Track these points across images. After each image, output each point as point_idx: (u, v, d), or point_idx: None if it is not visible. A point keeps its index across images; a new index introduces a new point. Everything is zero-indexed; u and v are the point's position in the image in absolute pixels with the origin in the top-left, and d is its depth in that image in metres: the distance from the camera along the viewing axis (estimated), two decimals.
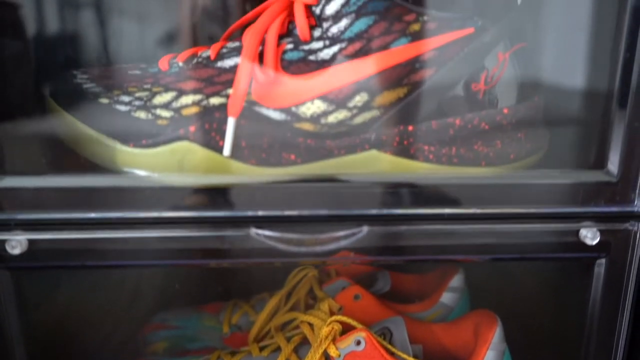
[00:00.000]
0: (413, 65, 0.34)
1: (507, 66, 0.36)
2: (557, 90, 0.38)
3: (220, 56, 0.37)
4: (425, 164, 0.36)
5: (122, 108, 0.36)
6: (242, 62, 0.35)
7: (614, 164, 0.35)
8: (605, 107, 0.34)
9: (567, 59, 0.39)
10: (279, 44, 0.36)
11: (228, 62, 0.36)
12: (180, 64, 0.37)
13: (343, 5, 0.35)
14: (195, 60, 0.37)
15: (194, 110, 0.35)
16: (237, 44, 0.37)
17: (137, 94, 0.36)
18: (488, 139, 0.36)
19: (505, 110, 0.36)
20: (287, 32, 0.36)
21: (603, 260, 0.36)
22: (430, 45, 0.34)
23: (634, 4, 0.32)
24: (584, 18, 0.37)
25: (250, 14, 0.42)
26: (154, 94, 0.36)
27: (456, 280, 0.47)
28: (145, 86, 0.37)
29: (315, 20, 0.36)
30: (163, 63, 0.38)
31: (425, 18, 0.35)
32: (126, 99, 0.36)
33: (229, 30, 0.43)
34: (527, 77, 0.37)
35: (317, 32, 0.35)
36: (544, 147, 0.38)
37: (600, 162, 0.35)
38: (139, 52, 0.46)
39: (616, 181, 0.35)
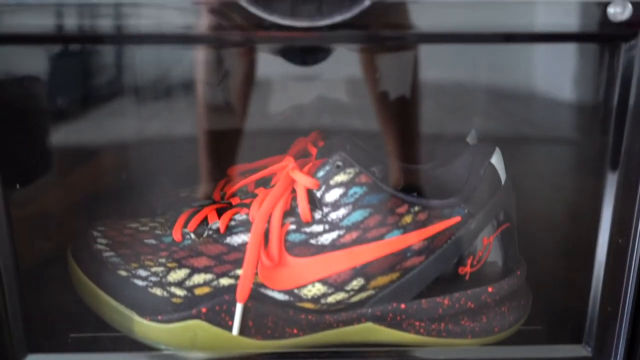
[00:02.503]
0: (405, 254, 0.38)
1: (492, 248, 0.39)
2: (538, 265, 0.42)
3: (229, 230, 0.40)
4: (416, 336, 0.39)
5: (140, 283, 0.39)
6: (249, 249, 0.38)
7: (590, 339, 0.38)
8: (581, 292, 0.38)
9: (546, 236, 0.42)
10: (282, 224, 0.39)
11: (236, 239, 0.39)
12: (192, 235, 0.41)
13: (341, 196, 0.38)
14: (205, 233, 0.40)
15: (205, 290, 0.38)
16: (244, 217, 0.41)
17: (153, 269, 0.40)
18: (474, 315, 0.39)
19: (490, 289, 0.39)
20: (290, 209, 0.40)
21: None
22: (420, 236, 0.38)
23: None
24: (562, 200, 0.40)
25: (255, 176, 0.46)
26: (168, 270, 0.39)
27: None
28: (161, 260, 0.40)
29: (317, 203, 0.39)
30: (177, 233, 0.41)
31: (417, 209, 0.38)
32: (143, 273, 0.40)
33: (236, 188, 0.47)
34: (510, 254, 0.40)
35: (317, 215, 0.39)
36: (525, 314, 0.41)
37: (577, 337, 0.38)
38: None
39: (592, 355, 0.38)
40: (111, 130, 0.52)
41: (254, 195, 0.43)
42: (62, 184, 0.49)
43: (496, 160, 0.40)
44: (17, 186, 0.36)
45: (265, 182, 0.46)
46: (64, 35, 0.32)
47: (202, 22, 0.32)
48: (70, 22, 0.31)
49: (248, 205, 0.42)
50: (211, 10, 0.32)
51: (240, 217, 0.41)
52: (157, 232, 0.43)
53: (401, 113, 0.54)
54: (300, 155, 0.53)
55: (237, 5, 0.31)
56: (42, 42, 0.33)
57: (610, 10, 0.32)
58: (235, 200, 0.45)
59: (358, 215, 0.38)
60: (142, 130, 0.55)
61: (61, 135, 0.48)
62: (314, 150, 0.50)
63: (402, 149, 0.52)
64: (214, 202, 0.51)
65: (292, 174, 0.40)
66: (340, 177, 0.38)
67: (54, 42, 0.34)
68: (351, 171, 0.38)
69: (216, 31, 0.32)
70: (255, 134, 0.58)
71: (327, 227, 0.38)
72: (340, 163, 0.39)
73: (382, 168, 0.41)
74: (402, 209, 0.38)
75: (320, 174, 0.39)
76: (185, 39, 0.34)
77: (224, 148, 0.57)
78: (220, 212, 0.42)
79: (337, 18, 0.32)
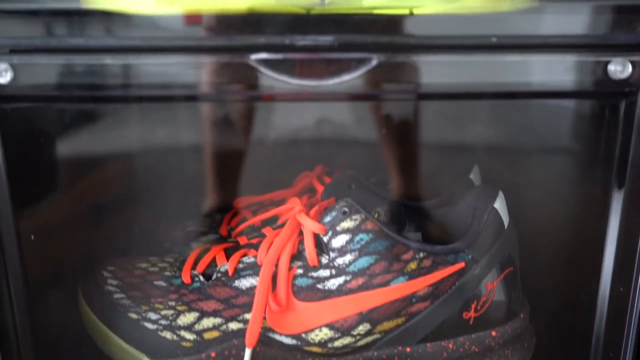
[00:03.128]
0: (410, 300, 0.38)
1: (496, 293, 0.40)
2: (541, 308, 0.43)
3: (237, 273, 0.41)
4: None
5: (150, 326, 0.40)
6: (257, 294, 0.39)
7: None
8: (584, 336, 0.38)
9: (550, 280, 0.43)
10: (290, 268, 0.40)
11: (245, 283, 0.40)
12: (201, 278, 0.42)
13: (348, 242, 0.39)
14: (214, 276, 0.41)
15: (214, 334, 0.39)
16: (252, 259, 0.41)
17: (163, 312, 0.40)
18: (478, 358, 0.40)
19: (494, 333, 0.40)
20: (298, 252, 0.40)
21: None
22: (426, 282, 0.38)
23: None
24: (565, 247, 0.41)
25: (261, 216, 0.47)
26: (178, 314, 0.40)
27: None
28: (170, 303, 0.41)
29: (323, 248, 0.40)
30: (186, 275, 0.42)
31: (421, 255, 0.39)
32: (153, 316, 0.40)
33: (243, 227, 0.48)
34: (513, 297, 0.41)
35: (324, 259, 0.39)
36: (529, 356, 0.42)
37: None
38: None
39: None
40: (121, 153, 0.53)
41: (261, 234, 0.44)
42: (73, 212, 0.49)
43: (499, 204, 0.41)
44: (32, 237, 0.37)
45: (271, 219, 0.47)
46: (72, 96, 0.33)
47: (211, 81, 0.33)
48: (78, 82, 0.32)
49: (255, 246, 0.42)
50: (221, 69, 0.33)
51: (248, 259, 0.41)
52: (167, 273, 0.43)
53: (405, 146, 0.55)
54: (305, 190, 0.54)
55: (247, 65, 0.32)
56: (55, 101, 0.34)
57: (611, 68, 0.33)
58: (242, 239, 0.45)
59: (364, 262, 0.39)
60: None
61: (68, 148, 0.48)
62: (319, 187, 0.51)
63: (407, 181, 0.53)
64: (221, 238, 0.52)
65: (299, 217, 0.41)
66: (347, 224, 0.39)
67: (62, 101, 0.35)
68: (357, 218, 0.39)
69: (225, 90, 0.33)
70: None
71: (333, 272, 0.39)
72: (346, 209, 0.39)
73: (388, 210, 0.42)
74: (407, 256, 0.39)
75: (327, 219, 0.40)
76: (194, 98, 0.35)
77: (231, 174, 0.59)
78: (228, 253, 0.43)
79: (345, 77, 0.32)
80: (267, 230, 0.44)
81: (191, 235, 0.53)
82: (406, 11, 0.34)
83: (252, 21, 0.32)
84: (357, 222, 0.39)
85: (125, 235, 0.52)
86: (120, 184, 0.52)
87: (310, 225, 0.40)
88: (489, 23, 0.33)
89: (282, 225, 0.43)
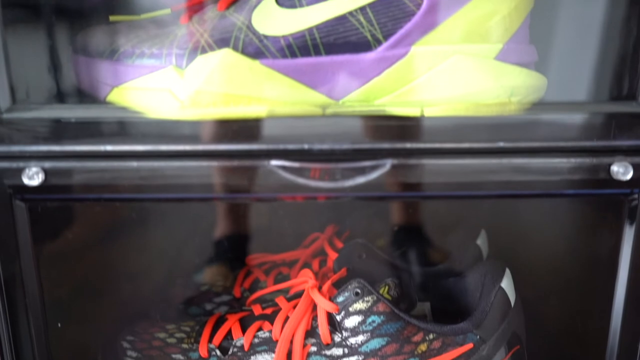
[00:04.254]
0: None
1: None
2: None
3: (252, 348, 0.42)
4: None
5: None
6: None
7: None
8: None
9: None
10: (304, 345, 0.41)
11: (260, 359, 0.42)
12: (218, 352, 0.43)
13: (360, 323, 0.40)
14: (231, 350, 0.43)
15: None
16: (267, 334, 0.43)
17: None
18: None
19: None
20: (311, 328, 0.42)
21: None
22: None
23: None
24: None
25: (275, 287, 0.48)
26: None
27: None
28: None
29: (336, 326, 0.41)
30: (203, 348, 0.44)
31: (431, 336, 0.40)
32: None
33: (255, 296, 0.49)
34: None
35: (337, 338, 0.41)
36: None
37: None
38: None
39: None
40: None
41: (275, 304, 0.45)
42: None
43: (506, 283, 0.42)
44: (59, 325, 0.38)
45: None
46: (99, 197, 0.34)
47: (231, 184, 0.34)
48: (105, 184, 0.34)
49: (270, 318, 0.44)
50: (242, 174, 0.34)
51: (264, 334, 0.43)
52: (184, 345, 0.45)
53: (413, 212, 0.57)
54: (317, 253, 0.55)
55: (267, 170, 0.34)
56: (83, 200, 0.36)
57: (614, 169, 0.34)
58: (256, 309, 0.47)
59: (376, 343, 0.40)
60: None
61: (95, 240, 0.50)
62: (331, 252, 0.53)
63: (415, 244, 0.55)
64: (235, 299, 0.54)
65: (313, 294, 0.42)
66: (359, 305, 0.41)
67: (89, 201, 0.37)
68: (369, 299, 0.41)
69: (243, 191, 0.35)
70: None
71: (346, 351, 0.41)
72: (358, 290, 0.41)
73: (398, 283, 0.43)
74: (417, 337, 0.40)
75: (340, 299, 0.41)
76: (212, 198, 0.36)
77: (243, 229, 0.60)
78: (243, 324, 0.45)
79: (360, 180, 0.34)
80: (280, 301, 0.45)
81: (205, 297, 0.55)
82: (417, 112, 0.35)
83: (271, 126, 0.34)
84: (369, 304, 0.41)
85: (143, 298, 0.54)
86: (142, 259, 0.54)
87: (323, 304, 0.42)
88: (495, 127, 0.34)
89: (295, 295, 0.45)
